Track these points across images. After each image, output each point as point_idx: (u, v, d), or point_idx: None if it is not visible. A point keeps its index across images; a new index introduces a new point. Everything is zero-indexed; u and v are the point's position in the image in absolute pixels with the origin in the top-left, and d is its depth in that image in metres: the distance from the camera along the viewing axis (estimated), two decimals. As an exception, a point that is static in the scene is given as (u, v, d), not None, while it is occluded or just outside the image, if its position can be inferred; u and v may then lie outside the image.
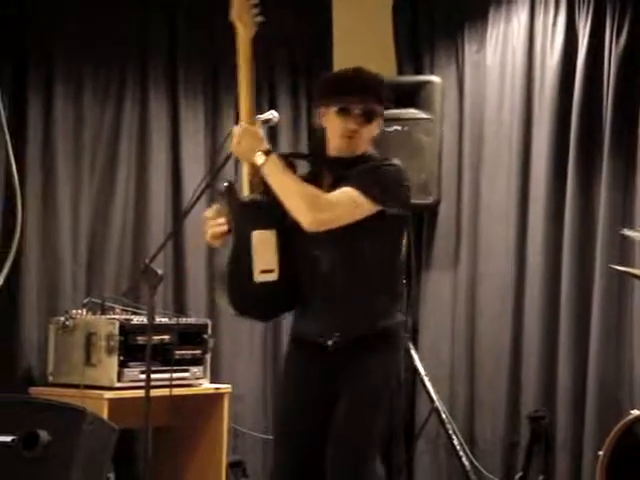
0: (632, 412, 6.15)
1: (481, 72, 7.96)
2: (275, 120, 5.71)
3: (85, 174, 7.27)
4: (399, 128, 7.84)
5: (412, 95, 7.90)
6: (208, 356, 7.17)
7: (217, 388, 7.18)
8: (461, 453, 7.40)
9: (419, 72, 8.22)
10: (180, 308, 7.57)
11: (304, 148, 8.05)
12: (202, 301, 7.70)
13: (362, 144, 4.99)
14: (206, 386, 7.15)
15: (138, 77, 7.49)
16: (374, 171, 4.92)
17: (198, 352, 7.10)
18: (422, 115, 7.88)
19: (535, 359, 7.58)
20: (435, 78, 7.99)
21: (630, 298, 7.31)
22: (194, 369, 7.07)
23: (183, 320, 7.21)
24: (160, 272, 5.68)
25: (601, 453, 6.13)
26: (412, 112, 7.89)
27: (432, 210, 8.04)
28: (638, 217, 7.27)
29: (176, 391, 6.79)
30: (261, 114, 5.31)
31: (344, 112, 4.93)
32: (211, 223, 5.05)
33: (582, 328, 7.50)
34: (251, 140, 4.94)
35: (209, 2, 7.62)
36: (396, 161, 5.06)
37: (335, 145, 4.99)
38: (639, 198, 7.35)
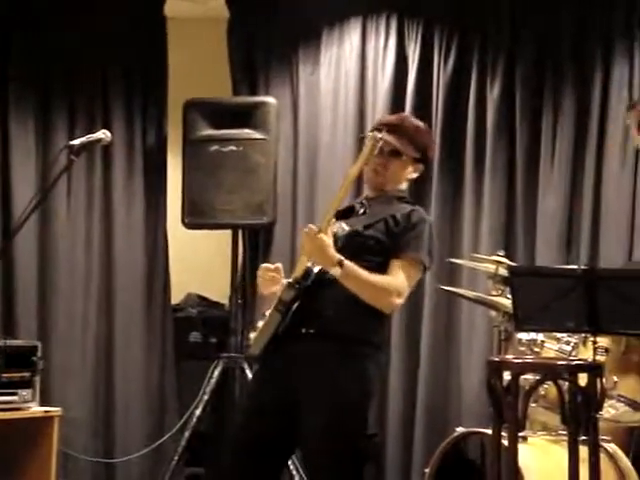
0: (457, 430, 6.21)
1: (315, 93, 8.05)
2: (107, 139, 5.86)
3: None
4: (234, 148, 7.88)
5: (247, 116, 7.93)
6: (37, 378, 7.09)
7: (47, 411, 7.06)
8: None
9: (254, 93, 8.24)
10: (8, 330, 7.47)
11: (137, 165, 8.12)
12: (33, 323, 7.64)
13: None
14: (35, 409, 7.05)
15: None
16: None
17: (27, 374, 7.01)
18: (257, 135, 7.91)
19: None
20: (270, 99, 8.02)
21: (457, 314, 7.50)
22: (23, 392, 6.98)
23: (11, 342, 7.12)
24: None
25: (427, 470, 6.17)
26: (247, 132, 7.91)
27: (268, 230, 8.09)
28: (465, 245, 7.49)
29: (3, 415, 6.83)
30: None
31: None
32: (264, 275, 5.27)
33: (413, 347, 7.64)
34: (319, 252, 5.04)
35: (43, 22, 7.63)
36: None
37: None
38: (466, 228, 7.55)
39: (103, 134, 6.05)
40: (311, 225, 5.04)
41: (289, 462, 6.49)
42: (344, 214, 5.30)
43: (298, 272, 5.14)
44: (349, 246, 5.14)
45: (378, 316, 5.21)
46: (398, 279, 5.11)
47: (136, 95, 8.17)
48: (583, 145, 7.31)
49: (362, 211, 5.28)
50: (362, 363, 5.17)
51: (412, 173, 5.40)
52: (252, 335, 5.29)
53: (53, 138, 7.75)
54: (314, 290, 5.13)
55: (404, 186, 5.40)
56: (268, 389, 5.25)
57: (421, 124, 5.53)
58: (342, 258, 5.00)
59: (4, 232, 7.51)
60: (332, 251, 5.02)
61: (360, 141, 5.49)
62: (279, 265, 5.25)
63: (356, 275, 5.04)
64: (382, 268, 5.14)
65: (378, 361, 5.28)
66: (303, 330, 5.15)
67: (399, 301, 5.13)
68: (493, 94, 7.52)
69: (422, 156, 5.40)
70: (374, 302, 5.09)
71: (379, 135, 5.17)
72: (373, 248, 5.15)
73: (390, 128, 5.34)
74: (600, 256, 7.13)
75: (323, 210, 7.72)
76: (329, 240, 5.03)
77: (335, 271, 5.00)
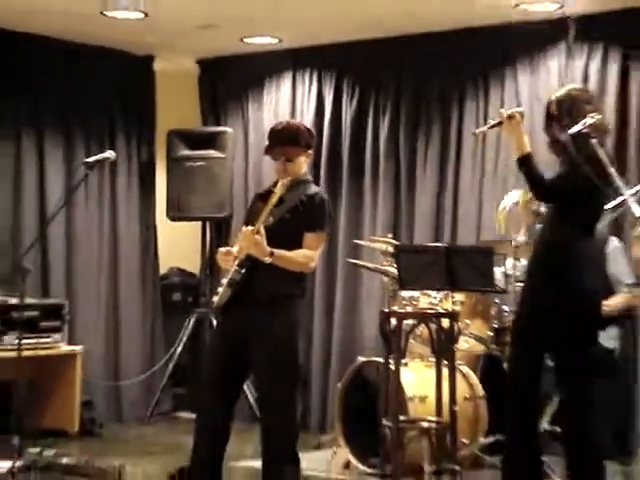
0: (360, 358, 6.25)
1: (260, 124, 7.99)
2: (113, 158, 5.87)
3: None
4: (203, 164, 7.89)
5: (212, 140, 7.93)
6: (66, 326, 7.15)
7: (72, 349, 7.14)
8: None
9: (217, 124, 8.21)
10: (45, 291, 7.50)
11: (134, 176, 8.10)
12: (61, 286, 7.61)
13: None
14: (64, 348, 7.13)
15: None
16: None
17: (58, 323, 7.09)
18: (219, 155, 7.90)
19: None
20: (228, 129, 8.03)
21: (361, 280, 7.50)
22: (55, 336, 7.07)
23: (46, 300, 7.23)
24: (29, 267, 5.75)
25: (339, 385, 6.24)
26: (212, 152, 7.91)
27: (227, 221, 8.06)
28: (365, 230, 7.49)
29: (42, 352, 6.92)
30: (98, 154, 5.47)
31: None
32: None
33: (329, 303, 7.66)
34: (253, 247, 4.92)
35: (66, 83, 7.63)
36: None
37: None
38: (366, 218, 7.57)
39: (110, 154, 6.05)
40: (248, 227, 4.95)
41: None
42: (265, 197, 5.17)
43: (241, 258, 5.07)
44: (275, 235, 5.04)
45: (300, 277, 5.18)
46: (311, 249, 5.06)
47: (134, 126, 8.12)
48: (446, 160, 7.31)
49: (275, 200, 5.06)
50: (290, 309, 5.13)
51: (307, 160, 5.21)
52: (215, 298, 5.22)
53: (75, 157, 7.69)
54: (254, 267, 5.10)
55: (304, 169, 5.19)
56: (228, 332, 5.22)
57: (298, 125, 5.32)
58: (271, 250, 4.94)
59: (41, 221, 7.45)
60: (264, 246, 4.93)
61: None
62: (230, 249, 5.11)
63: (283, 258, 4.99)
64: (299, 241, 5.10)
65: (301, 305, 5.23)
66: (249, 295, 5.10)
67: (314, 264, 5.09)
68: (385, 125, 7.53)
69: (307, 145, 5.20)
70: (298, 269, 5.07)
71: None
72: (291, 232, 5.10)
73: (279, 138, 5.17)
74: (458, 237, 7.18)
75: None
76: (262, 238, 4.95)
77: (267, 259, 4.98)
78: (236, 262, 5.14)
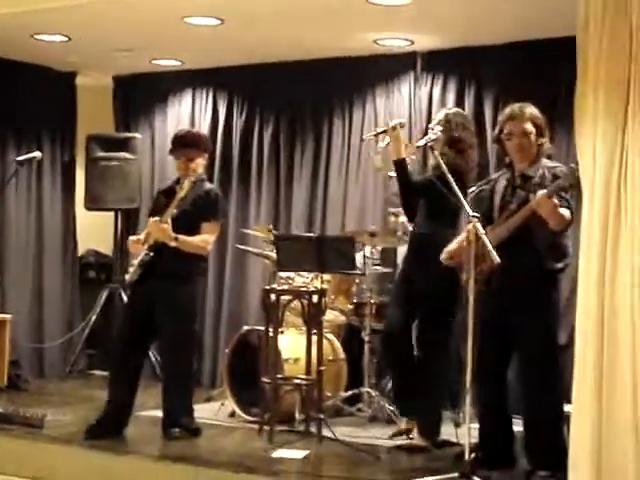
0: (245, 327, 6.24)
1: (164, 132, 7.90)
2: (39, 157, 5.80)
3: None
4: (116, 163, 7.79)
5: (124, 144, 7.84)
6: (-4, 297, 7.03)
7: (3, 317, 6.98)
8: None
9: (128, 130, 8.09)
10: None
11: (58, 173, 7.94)
12: None
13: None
14: (-5, 316, 6.98)
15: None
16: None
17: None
18: (130, 156, 7.81)
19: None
20: (137, 135, 7.94)
21: (246, 262, 7.47)
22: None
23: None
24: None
25: (227, 351, 6.22)
26: (124, 154, 7.81)
27: (136, 212, 7.91)
28: (251, 220, 7.46)
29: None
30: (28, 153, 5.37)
31: None
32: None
33: (220, 282, 7.61)
34: (161, 233, 5.06)
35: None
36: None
37: None
38: (251, 210, 7.55)
39: (37, 154, 5.98)
40: (156, 217, 5.07)
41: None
42: (168, 193, 5.29)
43: (150, 243, 5.18)
44: (179, 224, 5.17)
45: (199, 258, 5.31)
46: (207, 236, 5.21)
47: (58, 131, 7.96)
48: (318, 165, 7.32)
49: (183, 194, 5.19)
50: (191, 284, 5.28)
51: (204, 162, 5.41)
52: (127, 276, 5.33)
53: (6, 156, 7.55)
54: (160, 250, 5.20)
55: (201, 170, 5.37)
56: (139, 301, 5.30)
57: (198, 132, 5.63)
58: (176, 235, 5.05)
59: None
60: (170, 232, 5.05)
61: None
62: (139, 237, 5.28)
63: (185, 242, 5.12)
64: (198, 228, 5.21)
65: (200, 281, 5.43)
66: (157, 271, 5.21)
67: (210, 247, 5.26)
68: (268, 135, 7.50)
69: (205, 150, 5.41)
70: (197, 252, 5.19)
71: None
72: (191, 221, 5.22)
73: (182, 142, 5.33)
74: (326, 228, 7.21)
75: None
76: (168, 225, 5.06)
77: (173, 243, 5.08)
78: (145, 247, 5.18)
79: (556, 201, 4.31)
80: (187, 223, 5.23)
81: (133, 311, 5.37)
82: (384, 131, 5.15)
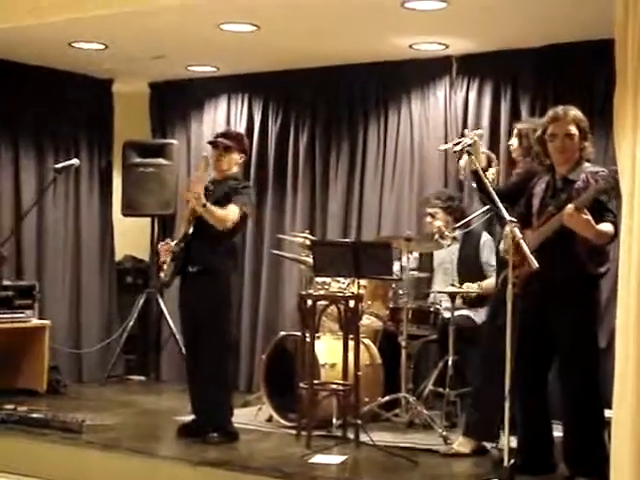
0: (281, 332, 6.24)
1: (200, 138, 7.88)
2: (77, 164, 5.84)
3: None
4: (153, 170, 7.84)
5: (161, 151, 7.88)
6: (36, 304, 7.09)
7: (42, 323, 7.07)
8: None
9: (164, 137, 8.13)
10: (19, 274, 7.41)
11: (95, 179, 8.00)
12: (33, 269, 7.51)
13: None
14: (35, 322, 7.07)
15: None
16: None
17: (30, 301, 7.04)
18: (166, 162, 7.85)
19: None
20: (174, 141, 7.98)
21: (282, 268, 7.48)
22: (27, 312, 7.01)
23: (20, 282, 7.16)
24: (6, 254, 5.70)
25: (264, 357, 6.21)
26: (160, 160, 7.86)
27: (172, 218, 7.95)
28: (287, 226, 7.48)
29: (18, 325, 6.89)
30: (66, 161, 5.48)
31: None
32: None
33: (256, 286, 7.61)
34: (196, 200, 5.27)
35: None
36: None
37: None
38: (287, 217, 7.54)
39: (75, 161, 6.04)
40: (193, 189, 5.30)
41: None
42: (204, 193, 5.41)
43: (185, 230, 5.40)
44: (212, 197, 5.35)
45: (230, 253, 5.42)
46: (230, 213, 5.32)
47: (95, 138, 8.00)
48: (353, 171, 7.30)
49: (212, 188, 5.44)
50: (223, 282, 5.39)
51: (239, 161, 5.55)
52: (161, 274, 5.49)
53: (46, 164, 7.58)
54: (190, 245, 5.36)
55: (236, 169, 5.53)
56: (182, 300, 5.55)
57: (239, 132, 5.89)
58: (206, 202, 5.24)
59: (16, 217, 7.34)
60: (202, 198, 5.24)
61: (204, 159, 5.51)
62: (169, 242, 5.50)
63: (211, 210, 5.27)
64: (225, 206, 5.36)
65: (233, 279, 5.53)
66: (190, 269, 5.38)
67: (230, 224, 5.34)
68: (303, 140, 7.49)
69: (242, 149, 5.56)
70: (218, 224, 5.31)
71: (204, 153, 5.51)
72: (221, 204, 5.36)
73: (223, 134, 5.59)
74: (362, 234, 7.15)
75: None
76: (202, 195, 5.25)
77: (200, 209, 5.26)
78: (174, 242, 5.34)
79: (588, 216, 4.24)
80: (217, 205, 5.38)
81: (180, 312, 5.66)
82: (461, 150, 4.91)
